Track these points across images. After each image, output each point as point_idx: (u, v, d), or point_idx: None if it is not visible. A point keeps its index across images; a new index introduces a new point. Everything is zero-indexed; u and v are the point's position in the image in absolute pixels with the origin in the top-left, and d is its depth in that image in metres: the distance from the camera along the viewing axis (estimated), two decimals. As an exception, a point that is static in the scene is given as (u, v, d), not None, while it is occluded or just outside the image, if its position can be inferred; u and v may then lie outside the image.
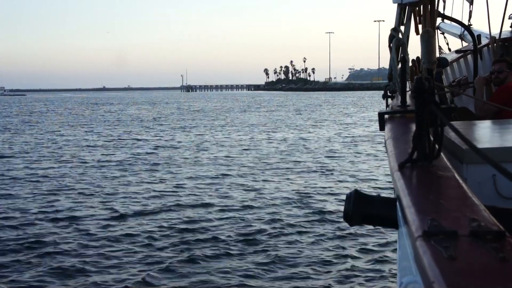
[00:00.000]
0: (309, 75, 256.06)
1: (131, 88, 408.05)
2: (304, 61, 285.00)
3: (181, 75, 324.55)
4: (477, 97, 6.32)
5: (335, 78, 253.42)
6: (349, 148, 21.53)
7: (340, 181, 14.18)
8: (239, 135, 28.08)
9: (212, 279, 7.31)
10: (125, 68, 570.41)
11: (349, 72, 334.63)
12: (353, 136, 26.38)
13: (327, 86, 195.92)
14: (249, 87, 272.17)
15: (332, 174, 15.40)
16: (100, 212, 11.15)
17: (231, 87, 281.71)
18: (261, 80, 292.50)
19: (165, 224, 10.06)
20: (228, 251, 8.45)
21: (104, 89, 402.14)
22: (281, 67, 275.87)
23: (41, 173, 16.36)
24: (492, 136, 3.93)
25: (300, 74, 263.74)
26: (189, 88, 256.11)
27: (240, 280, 7.24)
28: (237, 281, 7.22)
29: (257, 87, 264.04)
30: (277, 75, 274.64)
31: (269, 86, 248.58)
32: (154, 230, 9.65)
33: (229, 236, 9.26)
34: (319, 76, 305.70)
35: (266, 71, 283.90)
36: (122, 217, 10.66)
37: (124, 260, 8.02)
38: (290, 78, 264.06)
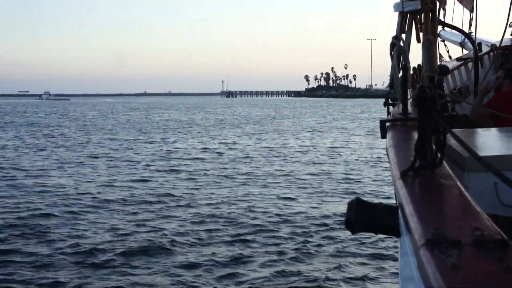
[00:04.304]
0: (350, 82, 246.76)
1: (171, 94, 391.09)
2: (346, 68, 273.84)
3: (222, 81, 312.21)
4: (477, 101, 6.27)
5: (375, 85, 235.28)
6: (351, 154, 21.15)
7: (342, 188, 13.74)
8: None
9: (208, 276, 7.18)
10: (165, 73, 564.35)
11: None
12: (354, 143, 26.04)
13: (368, 93, 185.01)
14: (289, 93, 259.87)
15: (334, 180, 14.96)
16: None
17: (271, 93, 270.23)
18: (302, 86, 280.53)
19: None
20: (230, 250, 8.30)
21: (145, 94, 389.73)
22: (322, 73, 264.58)
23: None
24: (494, 144, 3.75)
25: (341, 81, 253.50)
26: (229, 94, 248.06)
27: (239, 282, 7.02)
28: (236, 282, 7.01)
29: (297, 94, 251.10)
30: (318, 82, 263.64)
31: (310, 93, 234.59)
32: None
33: (230, 233, 9.19)
34: (360, 83, 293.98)
35: (306, 77, 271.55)
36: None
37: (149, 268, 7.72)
38: (331, 84, 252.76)
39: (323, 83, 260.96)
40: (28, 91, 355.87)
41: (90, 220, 10.22)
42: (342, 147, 24.35)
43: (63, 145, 25.68)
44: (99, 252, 8.18)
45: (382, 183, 14.19)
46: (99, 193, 12.96)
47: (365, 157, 20.16)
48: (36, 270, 7.43)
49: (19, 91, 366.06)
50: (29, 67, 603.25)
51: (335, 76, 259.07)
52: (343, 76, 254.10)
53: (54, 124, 44.09)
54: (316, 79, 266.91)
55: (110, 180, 14.93)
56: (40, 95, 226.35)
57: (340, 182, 14.66)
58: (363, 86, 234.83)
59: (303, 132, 33.46)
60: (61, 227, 9.68)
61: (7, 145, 25.68)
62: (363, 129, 35.75)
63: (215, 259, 7.85)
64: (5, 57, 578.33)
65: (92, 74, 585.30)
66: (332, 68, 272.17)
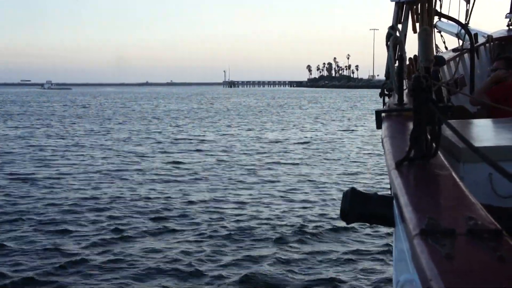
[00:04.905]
0: (353, 72, 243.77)
1: (173, 83, 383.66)
2: (348, 58, 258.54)
3: (224, 71, 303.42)
4: (479, 91, 6.18)
5: (378, 75, 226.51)
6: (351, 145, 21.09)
7: (337, 179, 13.69)
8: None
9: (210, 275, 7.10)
10: (167, 63, 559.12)
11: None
12: (354, 134, 25.93)
13: (371, 83, 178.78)
14: (291, 84, 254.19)
15: (330, 171, 14.93)
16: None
17: (273, 83, 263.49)
18: (304, 76, 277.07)
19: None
20: (225, 244, 8.25)
21: (147, 84, 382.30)
22: (324, 63, 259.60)
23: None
24: (489, 135, 3.72)
25: (343, 71, 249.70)
26: (231, 84, 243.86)
27: (239, 279, 6.91)
28: (236, 280, 6.91)
29: (299, 84, 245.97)
30: (320, 72, 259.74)
31: (312, 83, 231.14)
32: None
33: (224, 227, 9.11)
34: (363, 73, 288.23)
35: (308, 67, 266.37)
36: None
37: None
38: (333, 75, 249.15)
39: (325, 73, 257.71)
40: (30, 80, 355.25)
41: (87, 215, 10.13)
42: (343, 137, 24.30)
43: (64, 135, 25.69)
44: (92, 248, 8.12)
45: (382, 174, 14.17)
46: (98, 185, 12.92)
47: (366, 148, 20.11)
48: (32, 264, 7.40)
49: (21, 80, 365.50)
50: (31, 57, 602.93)
51: (338, 66, 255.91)
52: (346, 66, 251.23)
53: (56, 114, 44.08)
54: (318, 69, 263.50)
55: (108, 172, 14.86)
56: (42, 85, 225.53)
57: (340, 173, 14.66)
58: (365, 76, 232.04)
59: (305, 123, 33.40)
60: (58, 220, 9.65)
61: (8, 134, 25.69)
62: (365, 120, 35.69)
63: (212, 255, 7.81)
64: (7, 47, 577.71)
65: (93, 64, 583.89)
66: (335, 58, 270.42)
